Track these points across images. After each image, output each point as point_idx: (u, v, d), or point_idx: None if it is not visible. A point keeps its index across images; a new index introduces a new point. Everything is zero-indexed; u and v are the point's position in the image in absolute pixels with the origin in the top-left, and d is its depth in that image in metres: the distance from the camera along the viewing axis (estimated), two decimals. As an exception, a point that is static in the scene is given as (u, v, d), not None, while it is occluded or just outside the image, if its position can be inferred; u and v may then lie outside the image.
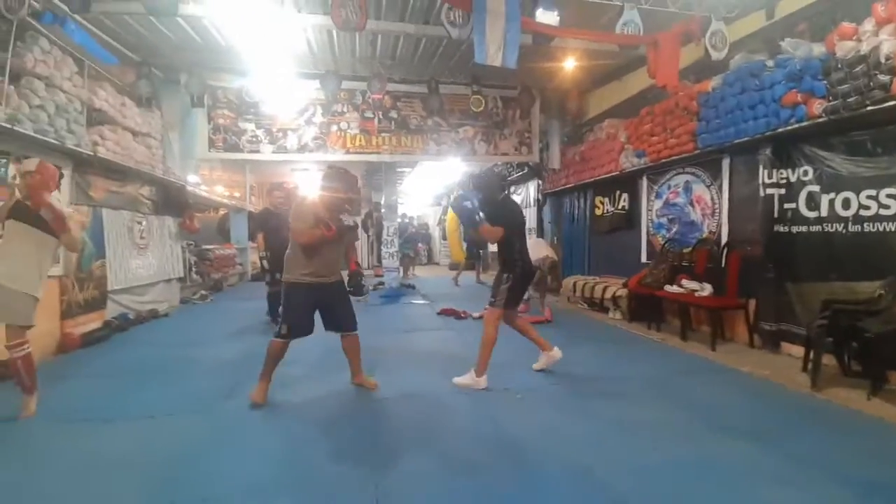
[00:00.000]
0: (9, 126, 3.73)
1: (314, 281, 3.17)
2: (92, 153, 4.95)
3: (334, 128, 7.74)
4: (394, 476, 2.25)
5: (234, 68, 6.96)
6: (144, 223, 6.59)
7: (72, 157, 4.79)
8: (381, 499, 2.05)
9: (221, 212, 12.77)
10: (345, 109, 7.74)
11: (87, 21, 4.95)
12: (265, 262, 5.79)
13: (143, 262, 6.48)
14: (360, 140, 7.83)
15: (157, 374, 3.91)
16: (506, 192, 3.63)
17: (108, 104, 5.43)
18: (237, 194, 12.34)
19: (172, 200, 7.48)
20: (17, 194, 3.26)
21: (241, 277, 11.46)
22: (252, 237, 6.82)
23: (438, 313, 6.59)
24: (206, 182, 10.61)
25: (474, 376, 3.47)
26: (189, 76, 6.72)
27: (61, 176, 3.49)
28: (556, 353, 3.77)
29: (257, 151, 7.61)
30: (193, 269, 8.72)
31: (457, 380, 3.52)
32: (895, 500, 2.00)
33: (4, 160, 3.90)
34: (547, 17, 4.82)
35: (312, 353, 4.26)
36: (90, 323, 5.07)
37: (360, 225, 3.30)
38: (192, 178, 8.59)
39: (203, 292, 8.36)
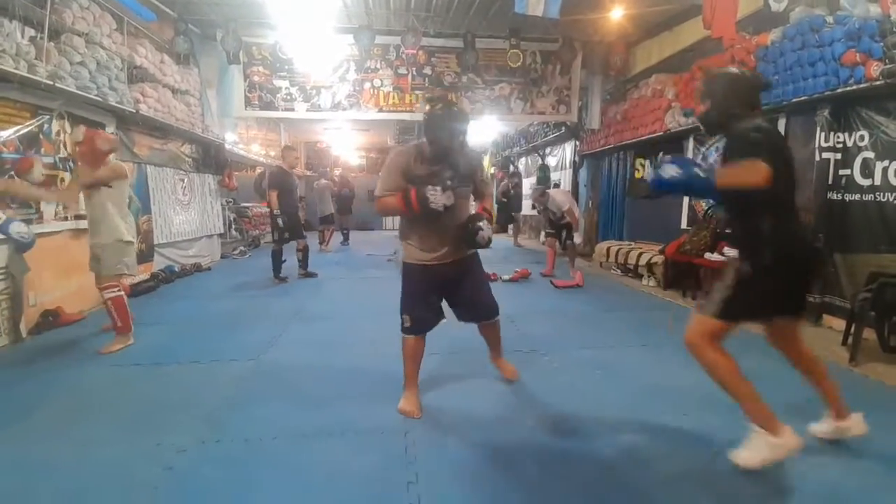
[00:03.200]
0: (50, 83, 3.81)
1: (431, 261, 2.45)
2: (134, 110, 5.08)
3: (367, 85, 7.63)
4: (422, 426, 2.36)
5: (268, 23, 6.89)
6: (186, 180, 6.81)
7: (114, 114, 4.93)
8: (410, 446, 2.16)
9: (258, 170, 13.02)
10: (378, 66, 7.59)
11: (125, -24, 4.97)
12: (280, 221, 5.85)
13: (186, 217, 6.76)
14: (394, 98, 7.71)
15: (202, 323, 4.16)
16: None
17: (148, 61, 5.52)
18: (273, 153, 12.50)
19: (212, 158, 7.68)
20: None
21: (278, 234, 11.79)
22: (264, 195, 6.65)
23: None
24: (243, 140, 10.78)
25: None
26: (225, 32, 6.71)
27: (109, 136, 3.76)
28: None
29: (291, 109, 7.63)
30: (233, 225, 9.03)
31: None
32: None
33: (48, 116, 4.01)
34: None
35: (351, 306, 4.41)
36: (139, 274, 5.38)
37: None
38: (229, 137, 8.75)
39: (242, 248, 8.69)
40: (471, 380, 2.98)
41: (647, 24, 6.67)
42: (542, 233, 7.63)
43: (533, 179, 11.84)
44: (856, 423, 2.09)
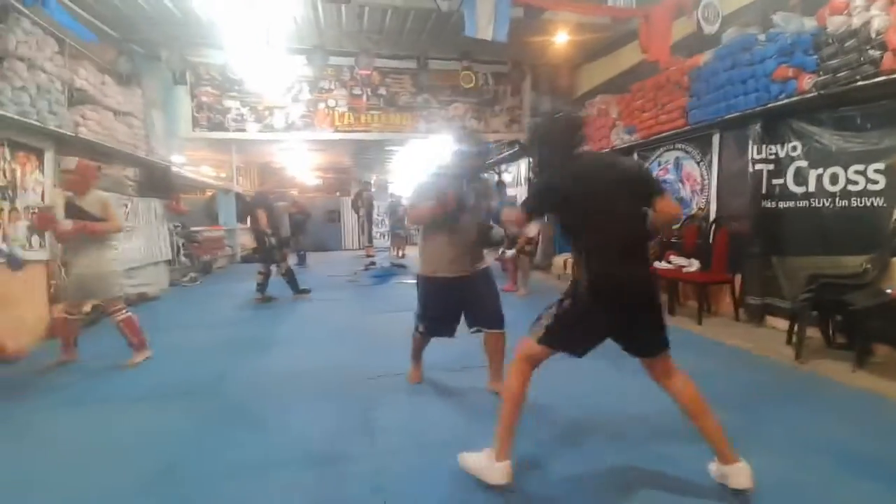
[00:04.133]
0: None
1: (449, 275, 2.78)
2: (73, 134, 4.86)
3: (322, 105, 7.59)
4: (387, 451, 2.29)
5: (216, 43, 6.75)
6: (130, 205, 6.47)
7: (53, 138, 4.73)
8: (378, 472, 2.09)
9: (209, 193, 12.58)
10: (332, 86, 7.59)
11: (66, -2, 4.80)
12: (272, 240, 6.02)
13: (131, 244, 6.39)
14: (349, 118, 7.70)
15: (152, 358, 3.89)
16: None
17: (88, 83, 5.33)
18: (223, 175, 12.15)
19: (158, 181, 7.35)
20: (64, 192, 3.70)
21: (231, 259, 11.38)
22: (243, 217, 6.76)
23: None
24: (192, 162, 10.41)
25: None
26: (170, 52, 6.52)
27: (99, 168, 4.13)
28: None
29: (243, 130, 7.46)
30: (182, 251, 8.62)
31: None
32: (878, 472, 2.03)
33: None
34: (538, -11, 4.73)
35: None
36: (83, 307, 5.02)
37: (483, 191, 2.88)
38: (177, 159, 8.43)
39: (192, 275, 8.29)
40: (424, 401, 2.94)
41: (589, 48, 7.05)
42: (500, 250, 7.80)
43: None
44: (739, 472, 1.85)
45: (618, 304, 1.83)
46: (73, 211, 3.47)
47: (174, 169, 7.99)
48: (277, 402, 2.93)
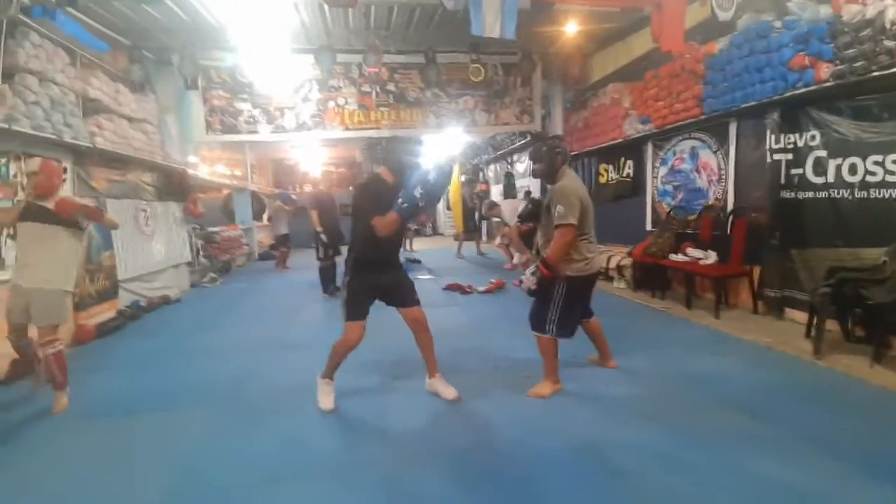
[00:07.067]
0: (6, 126, 3.72)
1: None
2: (90, 145, 4.96)
3: (331, 104, 7.60)
4: (403, 458, 2.34)
5: (225, 46, 6.80)
6: (148, 210, 6.61)
7: (71, 150, 4.83)
8: (393, 480, 2.14)
9: (224, 192, 12.75)
10: (341, 84, 7.58)
11: (76, 10, 4.83)
12: (323, 237, 6.29)
13: (151, 249, 6.55)
14: (359, 116, 7.70)
15: (174, 362, 4.00)
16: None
17: (102, 93, 5.39)
18: (238, 173, 12.28)
19: (174, 185, 7.47)
20: (25, 195, 3.37)
21: (249, 258, 11.56)
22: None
23: (444, 288, 6.66)
24: (206, 161, 10.55)
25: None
26: (181, 57, 6.58)
27: (65, 169, 3.79)
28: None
29: (255, 132, 7.53)
30: (201, 252, 8.79)
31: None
32: (892, 474, 2.00)
33: (4, 159, 3.91)
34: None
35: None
36: (104, 313, 5.18)
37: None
38: (192, 160, 8.55)
39: (212, 275, 8.46)
40: (447, 402, 2.98)
41: (600, 36, 6.89)
42: (498, 238, 9.25)
43: (500, 186, 11.99)
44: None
45: None
46: (39, 214, 3.02)
47: (190, 171, 8.12)
48: (304, 405, 3.00)
